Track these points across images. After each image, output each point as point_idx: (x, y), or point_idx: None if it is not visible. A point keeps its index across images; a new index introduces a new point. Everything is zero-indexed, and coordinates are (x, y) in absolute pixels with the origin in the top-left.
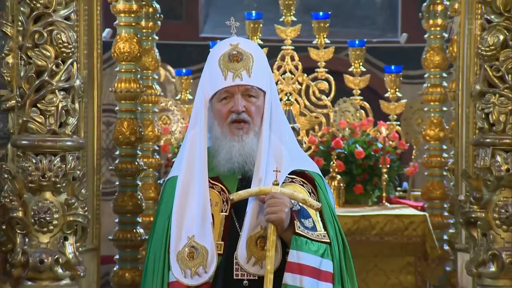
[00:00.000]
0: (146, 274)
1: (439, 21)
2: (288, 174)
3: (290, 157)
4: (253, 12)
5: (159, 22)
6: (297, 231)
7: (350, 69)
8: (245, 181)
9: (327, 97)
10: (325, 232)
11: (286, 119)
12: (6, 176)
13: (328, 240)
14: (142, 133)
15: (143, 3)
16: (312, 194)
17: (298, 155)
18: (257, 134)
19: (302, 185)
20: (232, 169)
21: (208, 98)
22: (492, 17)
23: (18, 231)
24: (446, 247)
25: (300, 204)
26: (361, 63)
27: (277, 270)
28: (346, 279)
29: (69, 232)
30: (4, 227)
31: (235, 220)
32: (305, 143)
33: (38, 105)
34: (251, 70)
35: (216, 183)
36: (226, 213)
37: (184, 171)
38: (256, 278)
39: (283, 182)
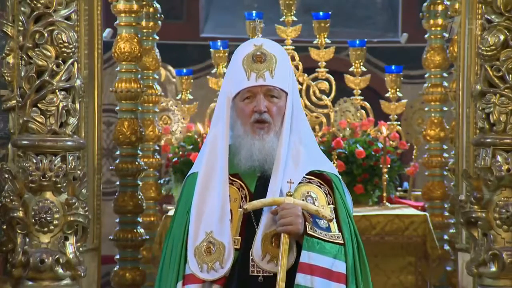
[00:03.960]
0: (163, 265)
1: (440, 21)
2: (306, 175)
3: (308, 158)
4: (254, 12)
5: (159, 22)
6: (308, 232)
7: (351, 69)
8: (263, 179)
9: (328, 97)
10: (339, 233)
11: (306, 120)
12: (6, 176)
13: (342, 241)
14: (143, 133)
15: (144, 3)
16: (328, 195)
17: (316, 156)
18: (277, 134)
19: (319, 186)
20: (252, 167)
21: (231, 97)
22: (493, 17)
23: (19, 231)
24: (446, 247)
25: (316, 204)
26: (361, 63)
27: (292, 269)
28: (360, 280)
29: (69, 232)
30: (4, 227)
31: (253, 217)
32: None
33: (39, 105)
34: (274, 71)
35: (235, 179)
36: (243, 210)
37: (204, 168)
38: (271, 275)
39: (300, 182)
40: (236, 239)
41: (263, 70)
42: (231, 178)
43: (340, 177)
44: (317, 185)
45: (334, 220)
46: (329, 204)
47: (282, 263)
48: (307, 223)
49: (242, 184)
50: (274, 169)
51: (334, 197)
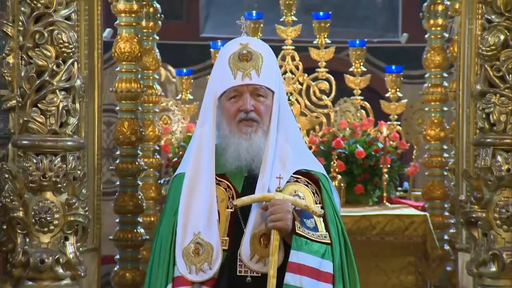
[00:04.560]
0: (151, 269)
1: (440, 21)
2: (293, 174)
3: (295, 157)
4: (254, 12)
5: (159, 22)
6: (297, 231)
7: (351, 69)
8: (251, 179)
9: (328, 97)
10: (327, 233)
11: (294, 118)
12: (6, 176)
13: (329, 241)
14: (143, 133)
15: (144, 3)
16: (316, 194)
17: (303, 155)
18: (265, 133)
19: (307, 185)
20: (239, 167)
21: (217, 96)
22: (493, 17)
23: (19, 231)
24: (446, 247)
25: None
26: (361, 63)
27: (280, 269)
28: (348, 280)
29: (69, 232)
30: (4, 227)
31: (240, 217)
32: (306, 143)
33: (39, 105)
34: (260, 69)
35: (222, 180)
36: (231, 210)
37: (191, 168)
38: (259, 275)
39: (288, 181)
40: (224, 240)
41: (250, 69)
42: (218, 178)
43: (327, 176)
44: (304, 184)
45: (322, 219)
46: (316, 203)
47: (273, 259)
48: (296, 222)
49: (229, 184)
50: (262, 168)
51: (321, 196)
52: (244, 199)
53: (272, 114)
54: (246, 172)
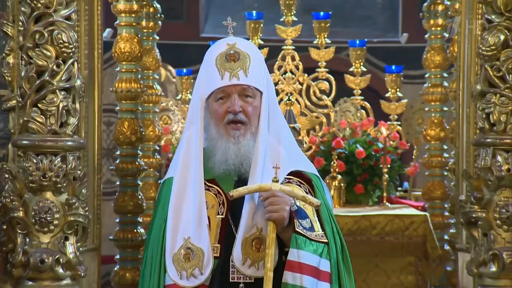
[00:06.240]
0: (143, 277)
1: (440, 21)
2: (285, 175)
3: (287, 158)
4: (254, 12)
5: (159, 22)
6: (297, 229)
7: (351, 69)
8: (241, 183)
9: (328, 97)
10: (323, 232)
11: (284, 119)
12: (7, 176)
13: (326, 240)
14: (143, 133)
15: (144, 3)
16: (309, 194)
17: (295, 156)
18: (254, 135)
19: (299, 186)
20: (227, 171)
21: (205, 97)
22: (493, 17)
23: (19, 231)
24: (446, 247)
25: (298, 204)
26: (361, 63)
27: (275, 269)
28: (344, 279)
29: (69, 232)
30: (4, 227)
31: (231, 223)
32: (305, 143)
33: (39, 105)
34: (248, 70)
35: (212, 185)
36: (222, 216)
37: (179, 173)
38: (252, 280)
39: (280, 183)
40: (215, 247)
41: (237, 69)
42: (207, 183)
43: (319, 176)
44: (297, 185)
45: (317, 219)
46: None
47: (270, 252)
48: (294, 220)
49: (219, 190)
50: (251, 172)
51: (315, 197)
52: (240, 190)
53: (261, 114)
54: (235, 177)
